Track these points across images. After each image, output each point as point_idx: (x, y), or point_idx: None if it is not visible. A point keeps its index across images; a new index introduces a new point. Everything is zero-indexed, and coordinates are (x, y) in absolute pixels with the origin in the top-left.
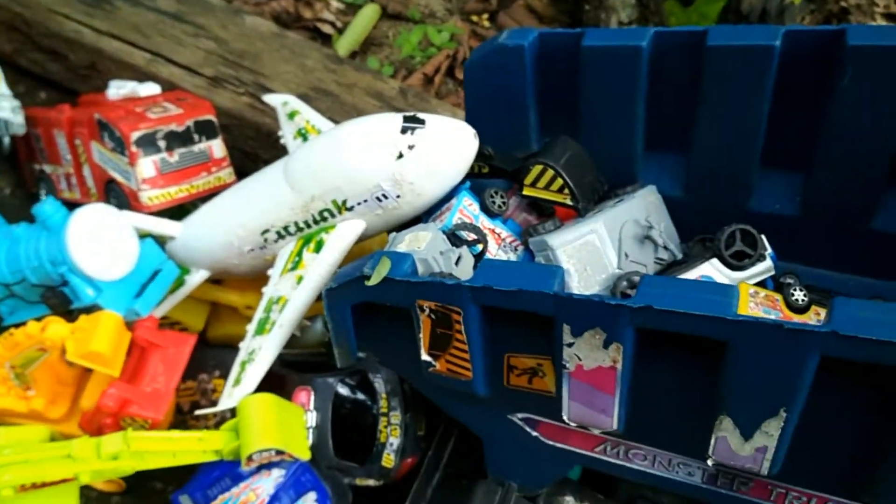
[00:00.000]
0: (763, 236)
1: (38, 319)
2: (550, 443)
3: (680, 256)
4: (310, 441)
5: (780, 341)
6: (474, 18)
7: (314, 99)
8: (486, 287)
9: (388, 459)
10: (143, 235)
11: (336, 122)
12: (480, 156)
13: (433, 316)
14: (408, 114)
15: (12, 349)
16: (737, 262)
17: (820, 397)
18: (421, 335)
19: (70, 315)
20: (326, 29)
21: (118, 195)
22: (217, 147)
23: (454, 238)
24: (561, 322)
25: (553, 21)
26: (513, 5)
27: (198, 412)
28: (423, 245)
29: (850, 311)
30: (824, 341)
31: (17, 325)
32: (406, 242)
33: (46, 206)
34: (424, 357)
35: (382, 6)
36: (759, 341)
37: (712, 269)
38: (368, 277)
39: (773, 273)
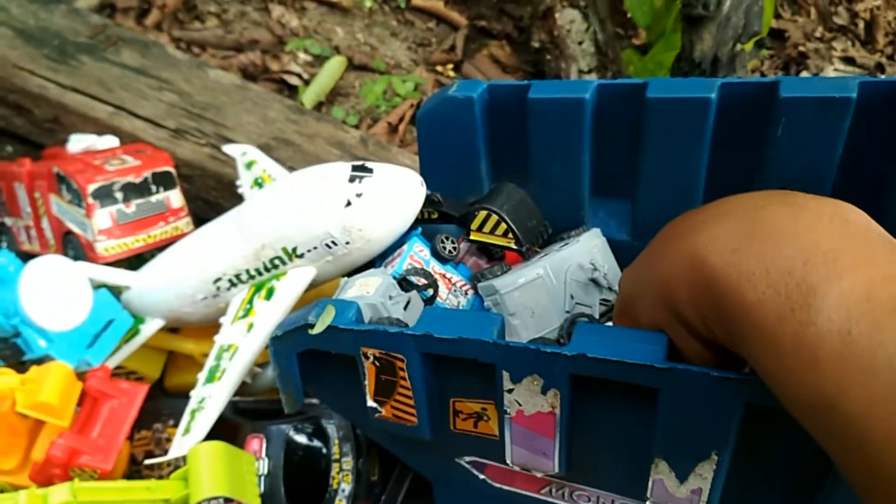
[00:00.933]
0: None
1: None
2: (497, 485)
3: None
4: (261, 489)
5: (709, 388)
6: (439, 69)
7: (276, 149)
8: (427, 335)
9: None
10: (98, 286)
11: (295, 171)
12: (429, 202)
13: (377, 363)
14: (356, 163)
15: None
16: None
17: (752, 440)
18: (366, 382)
19: (23, 366)
20: (293, 80)
21: (75, 246)
22: (175, 197)
23: (405, 283)
24: (501, 369)
25: (517, 70)
26: (477, 56)
27: (147, 461)
28: (372, 290)
29: None
30: (751, 389)
31: None
32: (356, 287)
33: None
34: (370, 403)
35: (348, 58)
36: (688, 388)
37: None
38: (313, 326)
39: None
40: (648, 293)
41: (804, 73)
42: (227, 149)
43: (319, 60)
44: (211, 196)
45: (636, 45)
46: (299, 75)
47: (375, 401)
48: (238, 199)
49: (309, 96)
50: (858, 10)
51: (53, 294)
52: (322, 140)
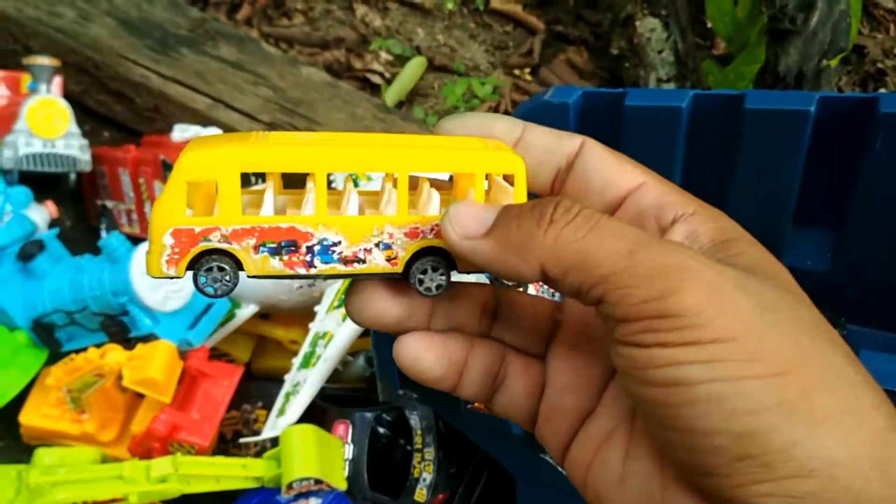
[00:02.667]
0: None
1: (97, 346)
2: None
3: None
4: (346, 473)
5: None
6: (516, 72)
7: None
8: None
9: (421, 494)
10: None
11: None
12: None
13: None
14: None
15: (71, 374)
16: None
17: None
18: None
19: (127, 343)
20: (375, 79)
21: None
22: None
23: None
24: None
25: (593, 76)
26: (554, 60)
27: (241, 440)
28: None
29: (877, 365)
30: None
31: (75, 351)
32: None
33: (113, 240)
34: None
35: (429, 59)
36: None
37: None
38: None
39: None
40: None
41: (882, 91)
42: None
43: (400, 60)
44: None
45: (716, 56)
46: (381, 74)
47: None
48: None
49: (391, 95)
50: None
51: None
52: None
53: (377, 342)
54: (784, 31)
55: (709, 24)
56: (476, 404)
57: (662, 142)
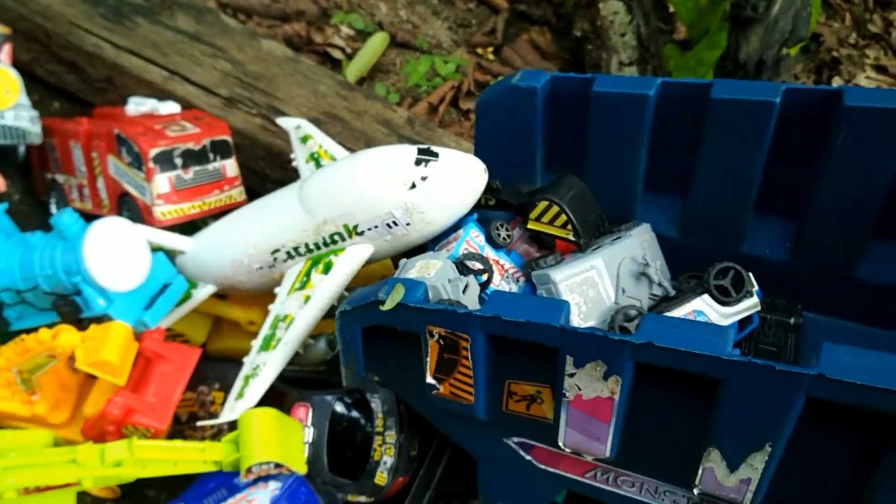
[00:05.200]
0: (750, 274)
1: (49, 326)
2: (543, 467)
3: (673, 293)
4: (306, 456)
5: (770, 381)
6: (480, 51)
7: (325, 123)
8: (496, 317)
9: (381, 477)
10: (154, 249)
11: (345, 147)
12: (488, 189)
13: (441, 342)
14: (422, 146)
15: (22, 354)
16: (725, 297)
17: (804, 435)
18: (428, 359)
19: (80, 324)
20: (336, 54)
21: (131, 208)
22: (230, 166)
23: (462, 267)
24: (565, 353)
25: (556, 58)
26: (517, 40)
27: (199, 423)
28: (432, 272)
29: (838, 356)
30: (812, 383)
31: (24, 331)
32: (417, 269)
33: (65, 217)
34: (429, 380)
35: (391, 34)
36: (751, 380)
37: (703, 304)
38: (383, 302)
39: (759, 309)
40: None
41: (836, 79)
42: (282, 121)
43: (362, 35)
44: (258, 166)
45: (677, 41)
46: (342, 49)
47: (435, 378)
48: (286, 170)
49: (352, 71)
50: (893, 18)
51: (116, 255)
52: (370, 117)
53: (342, 327)
54: (746, 18)
55: (671, 9)
56: (442, 390)
57: (629, 128)
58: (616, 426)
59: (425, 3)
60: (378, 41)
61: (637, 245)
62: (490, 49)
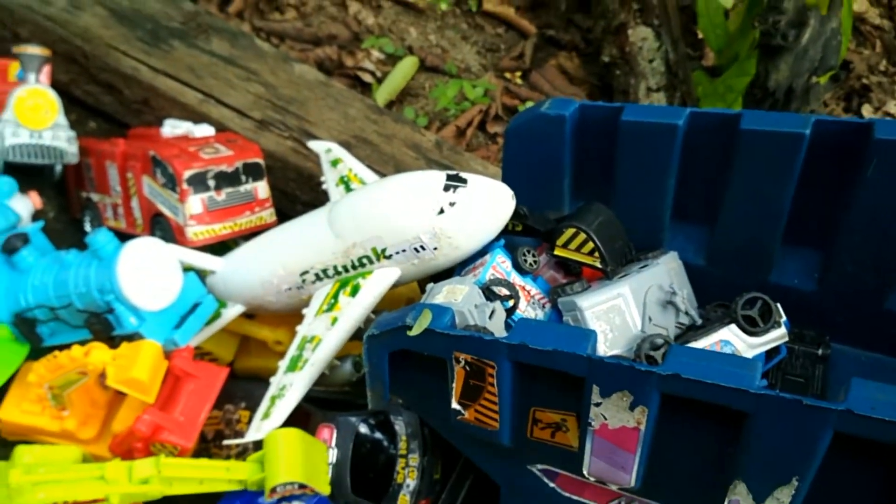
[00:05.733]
0: (778, 304)
1: (82, 343)
2: (566, 494)
3: (700, 322)
4: (329, 477)
5: (798, 415)
6: (508, 76)
7: (355, 147)
8: (522, 345)
9: (404, 500)
10: (186, 269)
11: (375, 170)
12: (515, 215)
13: (468, 368)
14: (451, 172)
15: (54, 371)
16: (752, 327)
17: (831, 469)
18: (453, 385)
19: (111, 341)
20: (367, 78)
21: (164, 228)
22: (262, 188)
23: (488, 293)
24: (591, 383)
25: (583, 83)
26: (545, 65)
27: (226, 441)
28: (459, 298)
29: (867, 392)
30: (840, 418)
31: (57, 347)
32: (444, 294)
33: (100, 237)
34: (454, 405)
35: (421, 59)
36: (778, 414)
37: (730, 334)
38: (410, 328)
39: (786, 339)
40: None
41: (866, 107)
42: (312, 144)
43: (392, 59)
44: (289, 188)
45: (705, 67)
46: (373, 73)
47: (460, 403)
48: (316, 192)
49: (382, 94)
50: None
51: (148, 274)
52: (399, 141)
53: (369, 351)
54: (776, 46)
55: (700, 35)
56: (467, 415)
57: (657, 157)
58: (641, 456)
59: (455, 27)
60: (408, 65)
61: (664, 273)
62: (518, 73)
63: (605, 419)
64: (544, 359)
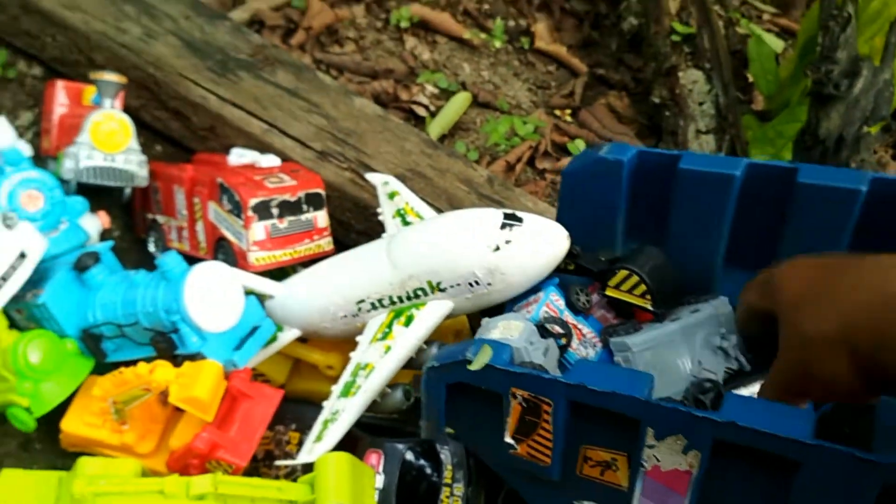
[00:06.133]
0: None
1: (148, 360)
2: None
3: (748, 368)
4: (376, 501)
5: (850, 466)
6: (557, 112)
7: (410, 179)
8: (581, 385)
9: None
10: (246, 293)
11: (428, 203)
12: (568, 254)
13: (524, 404)
14: (507, 211)
15: (120, 386)
16: None
17: None
18: (508, 419)
19: (174, 360)
20: (421, 111)
21: (227, 252)
22: (321, 217)
23: (542, 330)
24: (646, 425)
25: (632, 122)
26: (595, 104)
27: (278, 462)
28: (515, 334)
29: None
30: (890, 472)
31: (120, 363)
32: (500, 329)
33: (169, 259)
34: (508, 440)
35: (474, 94)
36: (831, 465)
37: None
38: (470, 362)
39: None
40: (828, 325)
41: None
42: (371, 177)
43: (446, 94)
44: (345, 217)
45: (755, 111)
46: (426, 107)
47: (514, 438)
48: (370, 222)
49: (435, 128)
50: None
51: (213, 297)
52: (452, 176)
53: (428, 381)
54: (827, 95)
55: (750, 80)
56: (519, 450)
57: (713, 205)
58: (692, 499)
59: (507, 64)
60: (461, 100)
61: (715, 318)
62: (568, 111)
63: (658, 461)
64: (601, 399)
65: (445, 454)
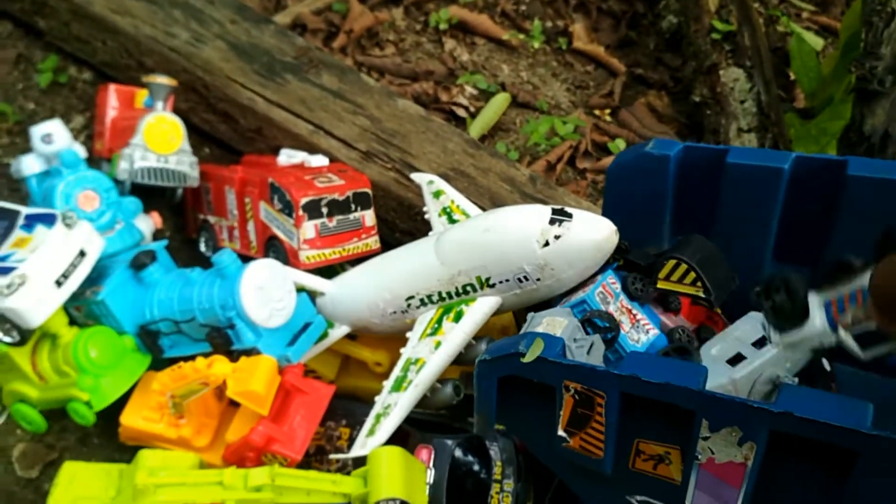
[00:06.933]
0: None
1: (206, 356)
2: None
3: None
4: (427, 496)
5: None
6: (597, 113)
7: (453, 179)
8: (634, 377)
9: None
10: (298, 290)
11: (472, 202)
12: (617, 249)
13: (577, 396)
14: (556, 207)
15: (178, 380)
16: None
17: None
18: (561, 412)
19: (230, 355)
20: (461, 112)
21: (278, 251)
22: (369, 216)
23: (588, 325)
24: (701, 417)
25: (672, 121)
26: (634, 103)
27: (332, 456)
28: (559, 331)
29: None
30: None
31: (176, 359)
32: (543, 325)
33: (225, 257)
34: (560, 433)
35: (513, 95)
36: (890, 455)
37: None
38: (523, 355)
39: None
40: None
41: None
42: (415, 177)
43: (485, 95)
44: (389, 216)
45: (797, 109)
46: (466, 108)
47: (566, 431)
48: (414, 221)
49: (475, 129)
50: None
51: (267, 294)
52: (495, 175)
53: (480, 375)
54: (872, 91)
55: (792, 77)
56: (572, 443)
57: (761, 200)
58: (746, 492)
59: (546, 65)
60: (500, 101)
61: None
62: (607, 111)
63: (713, 453)
64: (655, 391)
65: (495, 450)
